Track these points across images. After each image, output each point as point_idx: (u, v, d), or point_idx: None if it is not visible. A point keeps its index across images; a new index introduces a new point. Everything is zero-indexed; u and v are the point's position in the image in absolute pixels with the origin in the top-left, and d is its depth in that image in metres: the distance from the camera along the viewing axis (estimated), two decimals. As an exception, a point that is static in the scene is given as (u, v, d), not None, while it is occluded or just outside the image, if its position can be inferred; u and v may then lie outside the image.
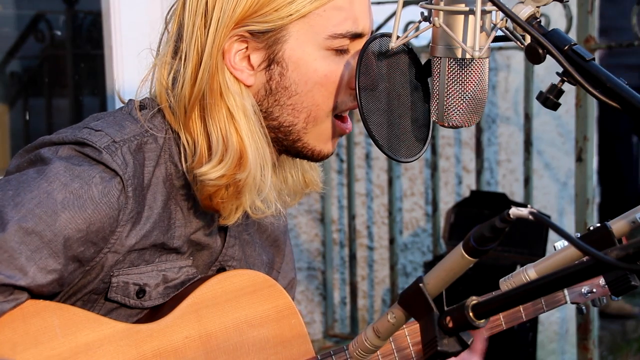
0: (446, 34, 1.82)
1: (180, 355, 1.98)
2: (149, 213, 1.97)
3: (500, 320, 2.21)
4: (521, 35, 1.81)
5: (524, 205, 1.47)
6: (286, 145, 2.05)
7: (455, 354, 1.52)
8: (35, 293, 1.89)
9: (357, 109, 1.95)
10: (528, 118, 4.43)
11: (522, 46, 1.80)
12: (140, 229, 1.96)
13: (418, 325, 1.55)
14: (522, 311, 2.22)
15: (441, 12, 1.81)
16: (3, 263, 1.83)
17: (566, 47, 1.74)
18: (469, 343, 1.52)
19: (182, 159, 2.00)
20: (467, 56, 1.82)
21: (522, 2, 1.76)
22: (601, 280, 2.23)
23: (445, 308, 1.52)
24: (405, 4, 1.91)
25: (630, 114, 1.68)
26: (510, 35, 1.84)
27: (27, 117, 4.70)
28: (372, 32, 2.03)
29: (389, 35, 1.91)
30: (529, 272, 1.72)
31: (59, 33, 4.71)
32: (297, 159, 2.11)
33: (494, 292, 1.99)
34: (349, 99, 2.02)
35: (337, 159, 4.78)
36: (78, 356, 1.90)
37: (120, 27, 3.86)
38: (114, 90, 3.94)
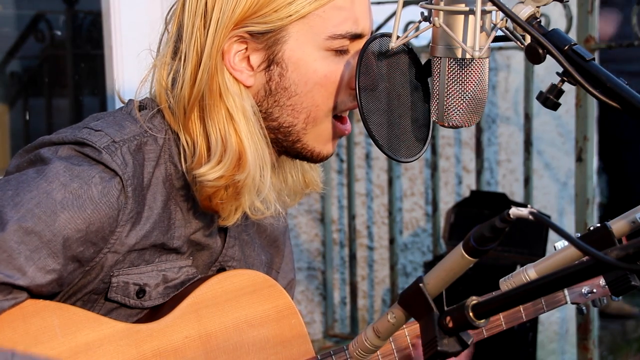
0: (446, 34, 1.82)
1: (180, 355, 1.98)
2: (149, 213, 1.97)
3: (500, 320, 2.21)
4: (521, 35, 1.81)
5: (524, 205, 1.47)
6: (286, 146, 2.04)
7: (455, 354, 1.52)
8: (35, 293, 1.88)
9: (357, 109, 1.95)
10: (528, 118, 4.43)
11: (522, 46, 1.80)
12: (140, 229, 1.95)
13: (418, 325, 1.55)
14: (522, 311, 2.22)
15: (441, 12, 1.81)
16: (2, 263, 1.83)
17: (566, 47, 1.74)
18: (469, 343, 1.52)
19: (182, 159, 1.99)
20: (467, 56, 1.82)
21: (522, 2, 1.76)
22: (601, 281, 2.23)
23: (445, 308, 1.52)
24: (405, 4, 1.91)
25: (630, 114, 1.68)
26: (510, 35, 1.84)
27: (27, 117, 4.70)
28: (372, 32, 2.02)
29: (389, 35, 1.91)
30: (529, 272, 1.72)
31: (59, 33, 4.71)
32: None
33: (494, 292, 1.99)
34: (349, 99, 2.02)
35: (337, 159, 4.78)
36: (78, 356, 1.90)
37: (120, 27, 3.86)
38: (114, 90, 3.93)
